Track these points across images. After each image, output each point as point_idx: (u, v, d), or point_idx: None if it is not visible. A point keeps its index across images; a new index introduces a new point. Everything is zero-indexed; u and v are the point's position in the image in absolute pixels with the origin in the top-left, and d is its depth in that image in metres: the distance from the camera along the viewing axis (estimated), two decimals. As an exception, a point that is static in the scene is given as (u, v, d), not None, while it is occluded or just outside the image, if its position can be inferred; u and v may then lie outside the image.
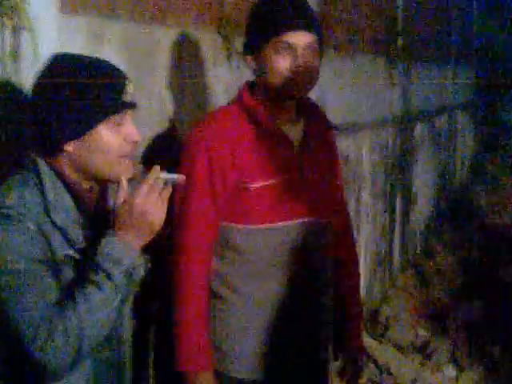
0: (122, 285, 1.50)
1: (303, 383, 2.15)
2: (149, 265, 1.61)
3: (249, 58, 2.05)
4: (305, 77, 2.00)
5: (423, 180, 6.49)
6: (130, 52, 2.17)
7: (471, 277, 5.54)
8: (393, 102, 5.46)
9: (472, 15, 9.33)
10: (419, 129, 6.35)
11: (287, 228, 2.04)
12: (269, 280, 2.06)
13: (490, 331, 4.42)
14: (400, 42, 5.52)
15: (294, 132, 2.09)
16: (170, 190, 1.57)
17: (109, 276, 1.48)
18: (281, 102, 2.05)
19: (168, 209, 1.58)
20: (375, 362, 4.09)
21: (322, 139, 2.19)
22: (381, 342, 4.40)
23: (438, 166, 7.23)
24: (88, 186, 1.60)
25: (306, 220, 2.07)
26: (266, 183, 2.01)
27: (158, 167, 1.56)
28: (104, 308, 1.47)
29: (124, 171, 1.58)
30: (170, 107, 2.42)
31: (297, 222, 2.06)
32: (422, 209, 6.51)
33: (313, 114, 2.16)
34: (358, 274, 2.45)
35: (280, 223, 2.03)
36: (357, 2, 4.46)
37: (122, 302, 1.51)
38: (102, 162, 1.55)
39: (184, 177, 1.62)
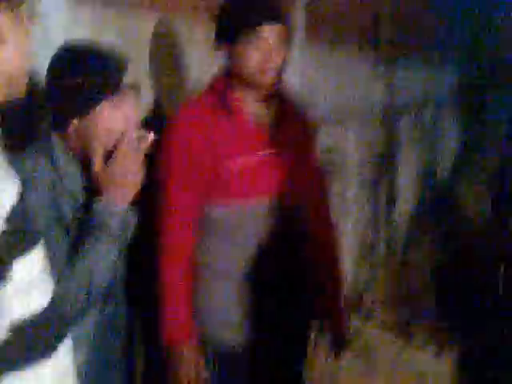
0: (118, 237, 1.68)
1: (281, 349, 2.32)
2: (136, 219, 1.81)
3: (221, 46, 2.20)
4: (274, 68, 2.16)
5: (407, 173, 6.67)
6: (127, 37, 2.33)
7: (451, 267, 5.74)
8: (378, 95, 5.64)
9: (460, 12, 9.50)
10: (403, 123, 6.52)
11: (260, 203, 2.21)
12: (248, 249, 2.23)
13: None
14: (385, 34, 5.69)
15: (267, 115, 2.25)
16: (146, 146, 1.74)
17: (106, 231, 1.66)
18: (253, 88, 2.21)
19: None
20: (360, 340, 4.30)
21: (294, 122, 2.33)
22: (365, 323, 4.60)
23: (422, 161, 7.40)
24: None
25: (276, 199, 2.23)
26: (240, 162, 2.17)
27: (129, 133, 1.74)
28: (105, 258, 1.66)
29: None
30: (158, 96, 2.58)
31: (269, 197, 2.22)
32: (406, 201, 6.69)
33: (284, 99, 2.31)
34: (336, 252, 2.56)
35: (252, 200, 2.20)
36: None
37: (120, 254, 1.71)
38: (103, 137, 1.73)
39: (153, 135, 1.75)
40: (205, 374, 2.20)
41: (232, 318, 2.25)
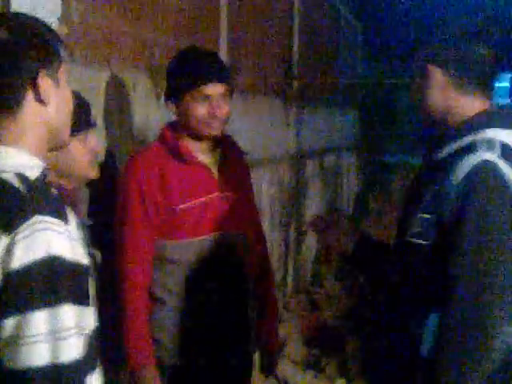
0: None
1: (228, 370, 2.55)
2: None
3: (170, 103, 2.45)
4: (219, 121, 2.42)
5: (313, 213, 7.00)
6: (83, 91, 2.53)
7: (356, 301, 6.05)
8: (288, 141, 5.97)
9: (358, 63, 10.05)
10: (310, 166, 6.88)
11: (208, 240, 2.45)
12: (197, 283, 2.45)
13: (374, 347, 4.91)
14: (295, 86, 6.05)
15: (212, 160, 2.51)
16: None
17: None
18: (200, 139, 2.47)
19: None
20: (275, 375, 4.51)
21: (236, 164, 2.61)
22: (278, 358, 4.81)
23: (327, 201, 7.78)
24: (71, 187, 2.02)
25: (224, 233, 2.48)
26: (189, 204, 2.42)
27: None
28: None
29: (91, 173, 2.07)
30: (109, 139, 2.78)
31: (216, 234, 2.46)
32: (313, 240, 7.01)
33: (227, 144, 2.57)
34: (272, 279, 2.85)
35: (202, 237, 2.44)
36: (259, 51, 4.95)
37: None
38: (74, 165, 1.99)
39: None
40: None
41: (181, 340, 2.46)
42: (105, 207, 2.55)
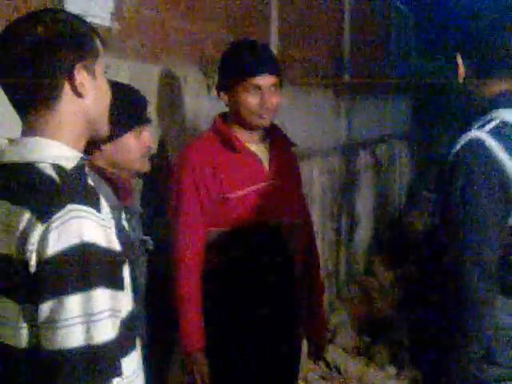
0: None
1: (277, 356, 2.61)
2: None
3: (222, 94, 2.53)
4: (269, 111, 2.50)
5: (365, 203, 7.00)
6: (135, 85, 2.62)
7: (407, 291, 6.05)
8: (339, 131, 5.99)
9: (410, 52, 9.98)
10: (362, 156, 6.88)
11: (259, 228, 2.51)
12: (246, 269, 2.52)
13: (423, 335, 4.92)
14: (346, 77, 6.07)
15: (262, 150, 2.58)
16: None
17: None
18: (250, 129, 2.54)
19: None
20: (326, 362, 4.57)
21: (284, 153, 2.67)
22: (330, 346, 4.87)
23: (379, 191, 7.76)
24: (125, 177, 2.09)
25: (274, 221, 2.54)
26: (241, 193, 2.49)
27: None
28: None
29: (143, 167, 2.12)
30: (161, 131, 2.87)
31: (267, 222, 2.53)
32: (364, 230, 7.02)
33: (276, 135, 2.64)
34: (319, 265, 2.90)
35: (253, 224, 2.50)
36: (310, 43, 4.99)
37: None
38: (128, 159, 2.05)
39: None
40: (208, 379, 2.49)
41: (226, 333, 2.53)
42: (156, 196, 2.64)
